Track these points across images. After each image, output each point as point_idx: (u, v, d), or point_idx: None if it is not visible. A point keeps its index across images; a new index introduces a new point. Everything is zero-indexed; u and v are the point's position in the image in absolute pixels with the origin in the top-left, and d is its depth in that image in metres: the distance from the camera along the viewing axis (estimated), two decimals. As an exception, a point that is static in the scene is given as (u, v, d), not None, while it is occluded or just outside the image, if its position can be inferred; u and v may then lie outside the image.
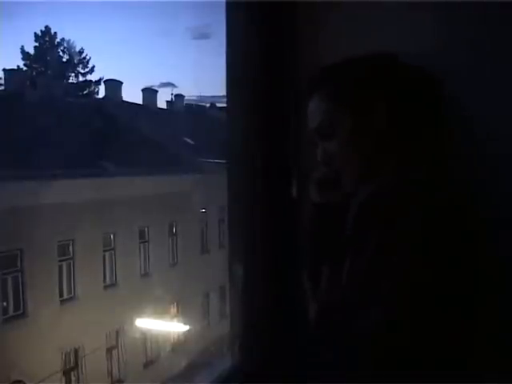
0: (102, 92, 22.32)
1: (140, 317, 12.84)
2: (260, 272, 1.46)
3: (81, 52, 26.15)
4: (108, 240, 13.26)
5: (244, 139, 1.46)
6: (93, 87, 26.13)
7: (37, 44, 25.24)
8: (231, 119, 1.51)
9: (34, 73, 23.55)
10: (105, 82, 18.67)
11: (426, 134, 1.15)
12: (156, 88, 24.67)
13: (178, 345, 13.83)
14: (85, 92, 25.21)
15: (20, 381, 10.26)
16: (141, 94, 18.15)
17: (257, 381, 1.43)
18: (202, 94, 25.69)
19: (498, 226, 1.15)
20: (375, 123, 1.10)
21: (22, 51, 24.29)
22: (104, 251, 13.10)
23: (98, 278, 12.82)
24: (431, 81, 1.16)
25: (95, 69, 26.14)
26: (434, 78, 1.17)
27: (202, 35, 26.19)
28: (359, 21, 1.36)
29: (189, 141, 16.39)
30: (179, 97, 19.60)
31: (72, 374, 11.97)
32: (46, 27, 24.99)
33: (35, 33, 24.92)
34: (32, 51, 24.88)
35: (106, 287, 13.06)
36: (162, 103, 19.22)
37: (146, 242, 14.20)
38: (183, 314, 14.27)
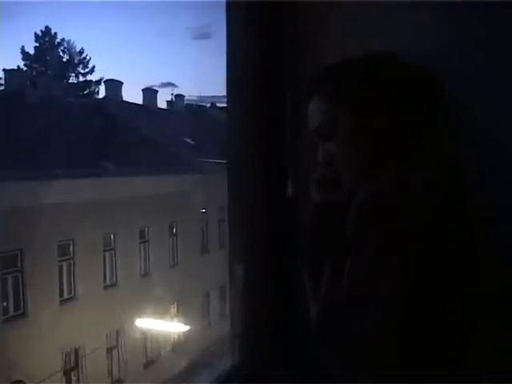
0: (102, 92, 22.34)
1: (140, 317, 12.83)
2: (260, 272, 1.46)
3: (81, 52, 26.18)
4: (108, 240, 13.25)
5: (244, 139, 1.46)
6: (93, 87, 26.15)
7: (37, 44, 25.25)
8: (231, 119, 1.51)
9: (34, 73, 23.52)
10: (105, 82, 18.67)
11: (426, 134, 1.15)
12: (156, 88, 24.67)
13: (178, 345, 13.82)
14: (85, 92, 25.21)
15: (20, 381, 10.26)
16: (141, 94, 18.17)
17: (257, 381, 1.43)
18: (202, 94, 25.73)
19: (497, 226, 1.15)
20: (375, 123, 1.10)
21: (22, 51, 24.30)
22: (104, 251, 13.09)
23: (98, 278, 12.81)
24: (431, 81, 1.16)
25: (95, 69, 26.18)
26: (433, 78, 1.17)
27: (202, 35, 26.22)
28: (359, 21, 1.36)
29: (189, 141, 16.39)
30: (179, 97, 19.59)
31: (72, 373, 11.97)
32: (46, 27, 25.02)
33: (35, 33, 24.95)
34: (32, 51, 24.91)
35: (106, 287, 13.05)
36: (162, 103, 19.23)
37: (146, 242, 14.19)
38: (183, 313, 14.26)
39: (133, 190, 12.60)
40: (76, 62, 26.42)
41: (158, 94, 18.65)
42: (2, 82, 16.97)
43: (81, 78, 26.40)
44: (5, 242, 10.57)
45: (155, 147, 14.20)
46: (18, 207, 10.31)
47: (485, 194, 1.16)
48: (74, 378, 11.98)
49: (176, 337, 14.07)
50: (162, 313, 13.16)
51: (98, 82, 25.02)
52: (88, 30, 38.03)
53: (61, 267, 12.06)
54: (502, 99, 1.26)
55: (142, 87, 18.96)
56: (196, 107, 20.01)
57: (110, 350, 12.80)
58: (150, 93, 18.27)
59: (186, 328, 13.70)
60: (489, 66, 1.27)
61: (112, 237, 13.30)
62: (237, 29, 1.44)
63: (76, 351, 11.89)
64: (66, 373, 11.77)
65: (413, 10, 1.30)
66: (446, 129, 1.20)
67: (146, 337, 13.47)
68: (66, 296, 12.15)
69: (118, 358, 12.98)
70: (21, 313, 11.14)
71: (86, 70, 26.37)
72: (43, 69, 24.79)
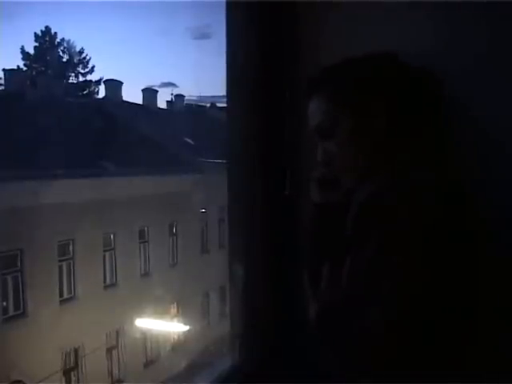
0: (102, 92, 22.33)
1: (140, 317, 12.83)
2: (260, 272, 1.46)
3: (81, 52, 26.15)
4: (108, 240, 13.25)
5: (244, 139, 1.46)
6: (93, 87, 26.12)
7: (37, 44, 25.23)
8: (231, 119, 1.51)
9: (34, 73, 23.50)
10: (105, 82, 18.66)
11: (426, 134, 1.15)
12: (156, 88, 24.65)
13: (178, 345, 13.81)
14: (85, 92, 25.18)
15: (20, 381, 10.25)
16: (141, 94, 18.16)
17: (257, 381, 1.43)
18: (202, 94, 25.71)
19: (497, 226, 1.15)
20: (375, 124, 1.10)
21: (22, 51, 24.27)
22: (104, 251, 13.09)
23: (98, 277, 12.81)
24: (431, 81, 1.16)
25: (95, 69, 26.16)
26: (433, 78, 1.17)
27: (202, 35, 26.21)
28: (359, 21, 1.36)
29: (189, 141, 16.39)
30: (179, 97, 19.58)
31: (72, 373, 11.96)
32: (46, 27, 25.00)
33: (35, 33, 24.93)
34: (32, 51, 24.88)
35: (106, 287, 13.05)
36: (162, 103, 19.23)
37: (146, 241, 14.19)
38: (183, 314, 14.26)
39: (133, 190, 12.60)
40: (76, 61, 26.40)
41: (158, 94, 18.67)
42: (2, 81, 16.96)
43: (81, 78, 26.41)
44: (5, 242, 10.57)
45: (155, 147, 14.20)
46: (18, 207, 10.31)
47: (485, 194, 1.16)
48: (73, 378, 11.97)
49: (176, 337, 14.07)
50: (161, 313, 13.15)
51: (98, 82, 25.02)
52: (88, 29, 37.98)
53: (61, 267, 12.05)
54: (501, 99, 1.26)
55: (142, 87, 18.98)
56: (196, 107, 20.00)
57: (109, 350, 12.80)
58: (149, 93, 18.26)
59: (186, 328, 13.70)
60: (489, 66, 1.27)
61: (112, 237, 13.29)
62: (237, 29, 1.44)
63: (76, 351, 11.88)
64: (66, 373, 11.76)
65: (413, 9, 1.30)
66: (445, 129, 1.20)
67: (145, 337, 13.47)
68: (65, 296, 12.14)
69: (118, 357, 12.98)
70: (21, 313, 11.14)
71: (86, 69, 26.38)
72: (43, 69, 24.77)
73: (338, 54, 1.18)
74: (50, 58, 25.19)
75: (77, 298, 12.25)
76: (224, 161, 1.61)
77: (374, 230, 1.00)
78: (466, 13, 1.27)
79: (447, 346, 1.00)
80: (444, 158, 1.15)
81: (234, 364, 1.46)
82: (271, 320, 1.46)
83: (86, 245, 12.23)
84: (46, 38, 25.68)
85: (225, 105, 1.56)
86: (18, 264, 11.17)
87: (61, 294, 12.01)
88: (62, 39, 25.81)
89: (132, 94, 44.69)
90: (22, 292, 11.17)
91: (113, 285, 13.24)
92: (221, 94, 13.94)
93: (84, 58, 26.26)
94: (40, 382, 10.30)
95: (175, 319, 14.21)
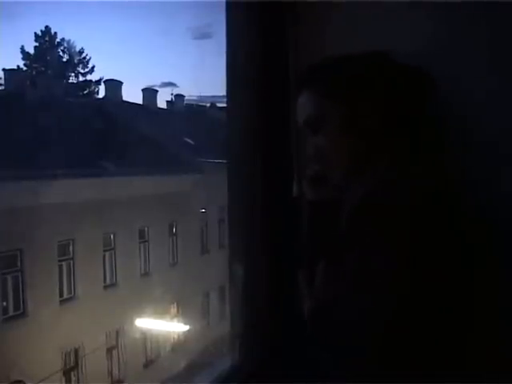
0: (102, 92, 22.33)
1: (140, 317, 12.83)
2: (260, 272, 1.46)
3: (81, 52, 26.16)
4: (108, 240, 13.26)
5: (244, 139, 1.46)
6: (93, 87, 26.13)
7: (37, 44, 25.23)
8: (231, 119, 1.51)
9: (34, 73, 23.51)
10: (105, 81, 18.66)
11: (415, 133, 1.15)
12: (156, 88, 24.67)
13: (178, 345, 13.82)
14: (85, 92, 25.19)
15: (20, 381, 10.26)
16: (141, 94, 18.17)
17: (257, 381, 1.43)
18: (202, 94, 25.72)
19: (491, 225, 1.15)
20: (362, 120, 1.10)
21: (22, 51, 24.27)
22: (104, 251, 13.09)
23: (98, 277, 12.82)
24: (422, 80, 1.16)
25: (95, 69, 26.16)
26: (424, 77, 1.17)
27: (202, 35, 26.20)
28: (359, 21, 1.36)
29: (189, 141, 16.39)
30: (179, 97, 19.59)
31: (72, 373, 11.97)
32: (46, 27, 25.01)
33: (35, 33, 24.93)
34: (32, 51, 24.89)
35: (106, 287, 13.05)
36: (162, 103, 19.23)
37: (146, 241, 14.19)
38: (183, 314, 14.27)
39: (132, 190, 12.60)
40: (76, 61, 26.41)
41: (158, 94, 18.68)
42: (2, 81, 16.96)
43: (81, 78, 26.42)
44: (5, 242, 10.57)
45: (155, 147, 14.21)
46: (18, 207, 10.31)
47: (476, 195, 1.16)
48: (73, 378, 11.98)
49: (176, 337, 14.07)
50: (161, 313, 13.16)
51: (98, 82, 25.03)
52: (88, 30, 37.99)
53: (61, 267, 12.06)
54: (493, 98, 1.26)
55: (142, 87, 18.98)
56: (196, 107, 20.01)
57: (109, 350, 12.80)
58: (149, 93, 18.27)
59: (186, 328, 13.70)
60: (480, 65, 1.27)
61: (112, 237, 13.30)
62: (237, 29, 1.44)
63: (76, 351, 11.89)
64: (66, 373, 11.77)
65: (413, 9, 1.30)
66: (436, 128, 1.20)
67: (145, 337, 13.47)
68: (65, 296, 12.15)
69: (118, 358, 12.98)
70: (21, 313, 11.14)
71: (86, 69, 26.39)
72: (43, 69, 24.77)
73: (338, 54, 1.18)
74: (50, 58, 25.19)
75: (77, 298, 12.25)
76: (224, 161, 1.61)
77: (367, 230, 1.00)
78: (467, 12, 1.27)
79: (443, 346, 1.00)
80: (434, 157, 1.15)
81: (233, 364, 1.46)
82: (271, 320, 1.46)
83: (86, 245, 12.24)
84: (45, 38, 25.69)
85: (225, 105, 1.56)
86: (18, 264, 11.17)
87: (61, 294, 12.01)
88: (62, 39, 25.86)
89: (132, 94, 44.70)
90: (22, 292, 11.17)
91: (113, 285, 13.24)
92: (221, 94, 13.96)
93: (84, 57, 26.29)
94: (40, 381, 10.30)
95: (175, 319, 14.22)
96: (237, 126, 1.48)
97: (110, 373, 12.77)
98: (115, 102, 16.07)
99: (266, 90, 1.43)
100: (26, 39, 25.45)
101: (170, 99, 19.74)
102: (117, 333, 12.97)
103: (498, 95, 1.26)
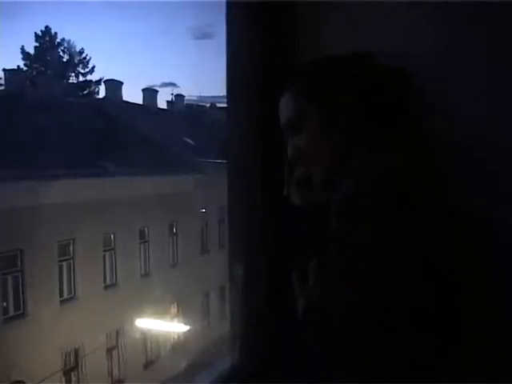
0: (102, 92, 22.33)
1: (140, 317, 12.83)
2: (260, 272, 1.46)
3: (81, 52, 26.13)
4: (108, 240, 13.25)
5: (244, 139, 1.46)
6: (93, 87, 26.10)
7: (37, 44, 25.21)
8: (231, 119, 1.51)
9: (34, 73, 23.50)
10: (105, 82, 18.66)
11: (396, 130, 1.15)
12: (156, 88, 24.68)
13: (178, 345, 13.82)
14: (85, 92, 25.18)
15: (20, 381, 10.25)
16: (141, 94, 18.16)
17: (257, 381, 1.43)
18: (202, 94, 25.72)
19: (474, 217, 1.15)
20: (341, 121, 1.11)
21: (22, 51, 24.24)
22: (104, 251, 13.09)
23: (98, 278, 12.81)
24: (402, 80, 1.17)
25: (95, 69, 26.15)
26: (404, 76, 1.17)
27: (202, 35, 26.21)
28: (359, 21, 1.36)
29: (189, 141, 16.39)
30: (179, 97, 19.59)
31: (72, 373, 11.97)
32: (46, 27, 24.97)
33: (35, 33, 24.89)
34: (32, 51, 24.87)
35: (106, 287, 13.05)
36: (162, 103, 19.23)
37: (146, 242, 14.19)
38: (183, 314, 14.27)
39: (132, 190, 12.60)
40: (76, 61, 26.40)
41: (158, 94, 18.68)
42: (2, 81, 16.95)
43: (81, 78, 26.40)
44: (5, 242, 10.57)
45: (155, 147, 14.21)
46: (18, 207, 10.31)
47: (461, 193, 1.16)
48: (73, 378, 11.97)
49: (176, 337, 14.07)
50: (162, 313, 13.16)
51: (98, 82, 25.01)
52: (88, 30, 37.98)
53: (61, 267, 12.05)
54: (474, 96, 1.25)
55: (142, 87, 18.98)
56: (196, 107, 20.01)
57: (110, 350, 12.80)
58: (149, 93, 18.27)
59: (186, 328, 13.70)
60: (478, 65, 1.27)
61: (112, 237, 13.30)
62: (237, 29, 1.44)
63: (76, 351, 11.88)
64: (66, 373, 11.76)
65: (413, 9, 1.30)
66: (417, 127, 1.20)
67: (145, 337, 13.47)
68: (66, 296, 12.15)
69: (118, 358, 12.98)
70: (21, 313, 11.14)
71: (86, 69, 26.37)
72: (43, 69, 24.76)
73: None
74: (50, 58, 25.17)
75: (77, 298, 12.25)
76: (224, 161, 1.61)
77: (353, 230, 1.00)
78: (467, 12, 1.27)
79: (440, 346, 1.00)
80: (415, 155, 1.15)
81: (233, 364, 1.46)
82: (271, 320, 1.46)
83: (86, 245, 12.24)
84: (46, 38, 25.66)
85: (225, 105, 1.56)
86: (18, 264, 11.17)
87: (61, 294, 12.01)
88: (62, 39, 25.82)
89: (132, 94, 44.70)
90: (22, 292, 11.17)
91: (113, 285, 13.24)
92: (221, 94, 13.96)
93: (84, 58, 26.27)
94: (40, 382, 10.30)
95: (175, 319, 14.22)
96: (237, 126, 1.48)
97: (110, 373, 12.77)
98: (115, 102, 16.06)
99: (265, 90, 1.43)
100: (26, 39, 25.43)
101: (170, 99, 19.76)
102: (117, 333, 12.97)
103: (481, 94, 1.25)
